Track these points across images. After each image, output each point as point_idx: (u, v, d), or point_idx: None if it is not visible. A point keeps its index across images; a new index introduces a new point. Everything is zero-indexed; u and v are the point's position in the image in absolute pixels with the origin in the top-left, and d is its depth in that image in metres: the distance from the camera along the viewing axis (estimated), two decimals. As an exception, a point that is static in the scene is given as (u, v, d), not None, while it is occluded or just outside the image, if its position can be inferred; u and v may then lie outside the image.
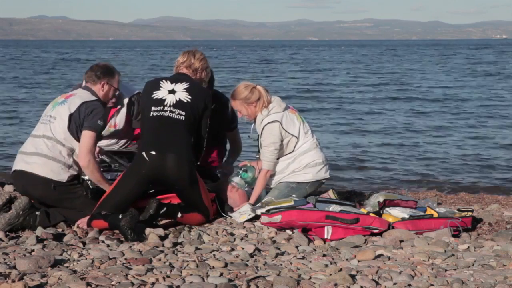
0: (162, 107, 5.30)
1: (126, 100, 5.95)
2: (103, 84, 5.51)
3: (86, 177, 5.42)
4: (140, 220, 5.01)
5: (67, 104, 5.34)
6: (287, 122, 5.76)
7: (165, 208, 5.12)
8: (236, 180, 5.91)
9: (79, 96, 5.40)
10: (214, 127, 5.97)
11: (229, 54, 72.03)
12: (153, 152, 5.18)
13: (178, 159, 5.17)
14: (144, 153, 5.21)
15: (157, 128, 5.27)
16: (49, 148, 5.25)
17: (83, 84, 5.60)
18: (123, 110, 5.96)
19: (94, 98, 5.42)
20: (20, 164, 5.34)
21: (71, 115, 5.27)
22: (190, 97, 5.33)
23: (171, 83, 5.42)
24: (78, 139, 5.27)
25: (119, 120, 5.99)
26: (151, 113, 5.32)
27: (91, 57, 59.93)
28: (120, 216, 4.89)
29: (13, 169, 5.41)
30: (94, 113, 5.29)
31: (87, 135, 5.25)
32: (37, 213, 5.15)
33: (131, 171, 5.28)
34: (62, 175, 5.24)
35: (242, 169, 5.97)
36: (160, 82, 5.46)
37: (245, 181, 5.94)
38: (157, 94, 5.37)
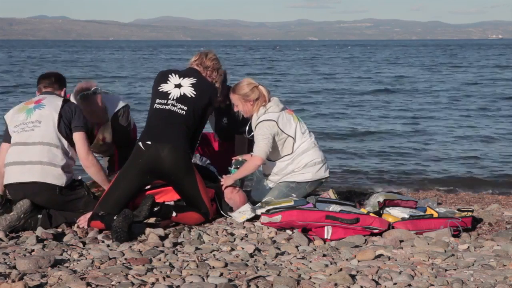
0: (165, 101, 5.37)
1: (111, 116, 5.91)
2: (64, 91, 5.52)
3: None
4: (135, 220, 5.02)
5: (47, 107, 5.25)
6: (283, 122, 5.77)
7: (158, 207, 5.13)
8: None
9: (54, 98, 5.33)
10: (227, 126, 6.24)
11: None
12: (149, 142, 5.23)
13: (173, 149, 5.20)
14: (140, 143, 5.27)
15: (157, 120, 5.33)
16: (45, 153, 5.13)
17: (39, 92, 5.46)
18: (109, 124, 5.95)
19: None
20: (15, 176, 5.15)
21: (60, 115, 5.21)
22: (195, 93, 5.40)
23: (179, 77, 5.50)
24: (66, 137, 5.23)
25: (107, 133, 5.98)
26: (155, 105, 5.40)
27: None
28: (115, 217, 4.90)
29: (5, 182, 5.21)
30: (78, 112, 5.30)
31: (81, 136, 5.25)
32: (39, 216, 5.13)
33: (129, 164, 5.32)
34: (62, 178, 5.17)
35: (233, 165, 5.97)
36: (169, 75, 5.52)
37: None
38: (164, 87, 5.45)
